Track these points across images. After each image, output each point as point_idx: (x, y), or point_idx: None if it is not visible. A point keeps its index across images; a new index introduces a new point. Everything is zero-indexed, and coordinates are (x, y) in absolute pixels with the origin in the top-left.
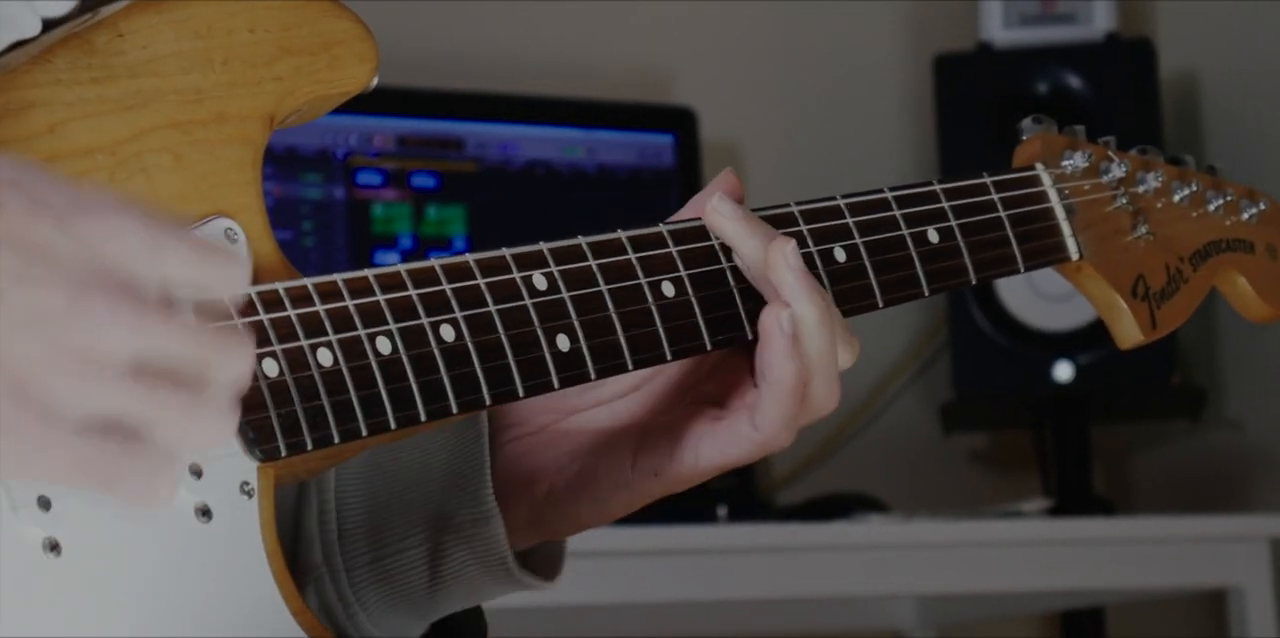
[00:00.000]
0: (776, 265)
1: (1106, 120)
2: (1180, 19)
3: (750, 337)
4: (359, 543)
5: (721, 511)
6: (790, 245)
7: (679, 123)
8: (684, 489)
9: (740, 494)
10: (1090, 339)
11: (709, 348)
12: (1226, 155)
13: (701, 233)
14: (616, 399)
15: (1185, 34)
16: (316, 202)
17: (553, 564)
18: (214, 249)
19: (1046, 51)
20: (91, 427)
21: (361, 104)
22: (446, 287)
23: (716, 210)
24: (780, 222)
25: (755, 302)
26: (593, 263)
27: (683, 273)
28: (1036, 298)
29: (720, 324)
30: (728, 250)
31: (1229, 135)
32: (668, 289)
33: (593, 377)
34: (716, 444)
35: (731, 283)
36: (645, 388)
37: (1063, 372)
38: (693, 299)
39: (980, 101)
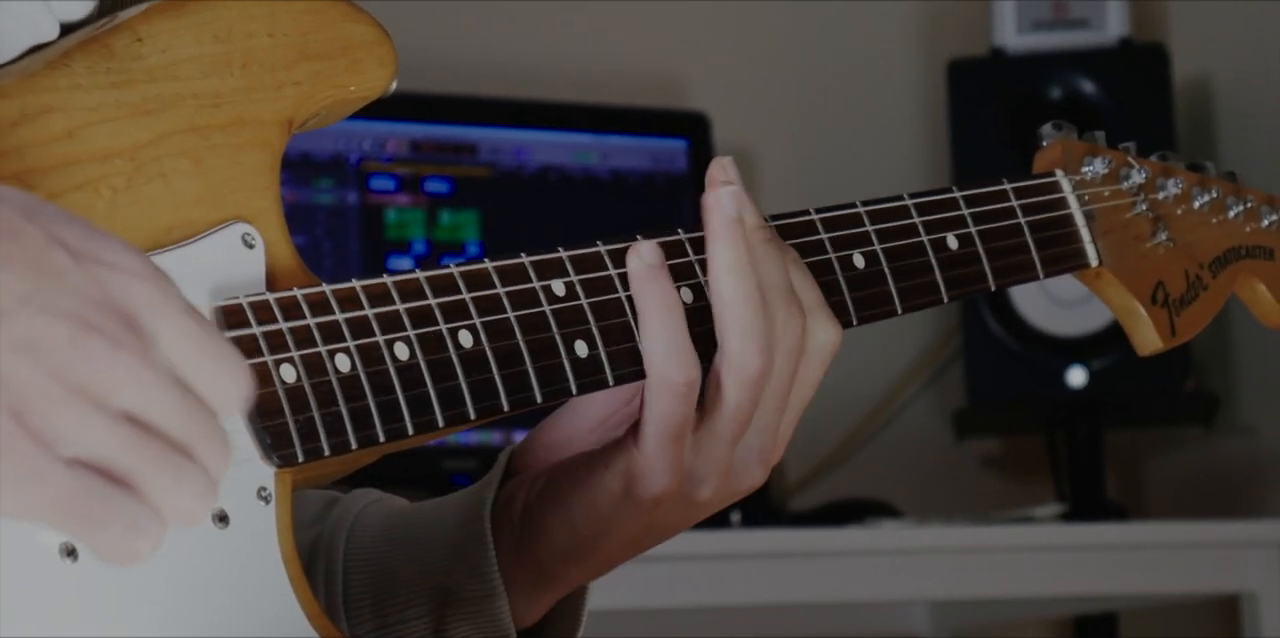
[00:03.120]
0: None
1: (1120, 125)
2: (1194, 24)
3: None
4: (364, 610)
5: (735, 516)
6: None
7: (692, 128)
8: (645, 488)
9: (753, 499)
10: (1104, 345)
11: None
12: (1239, 160)
13: None
14: (599, 426)
15: (1199, 39)
16: (330, 207)
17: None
18: (219, 340)
19: (1060, 56)
20: (85, 466)
21: (375, 109)
22: (465, 294)
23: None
24: (800, 228)
25: None
26: (612, 272)
27: (701, 279)
28: (1050, 303)
29: None
30: None
31: (1242, 140)
32: (686, 295)
33: (611, 383)
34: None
35: None
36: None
37: (1076, 377)
38: (710, 305)
39: (993, 106)
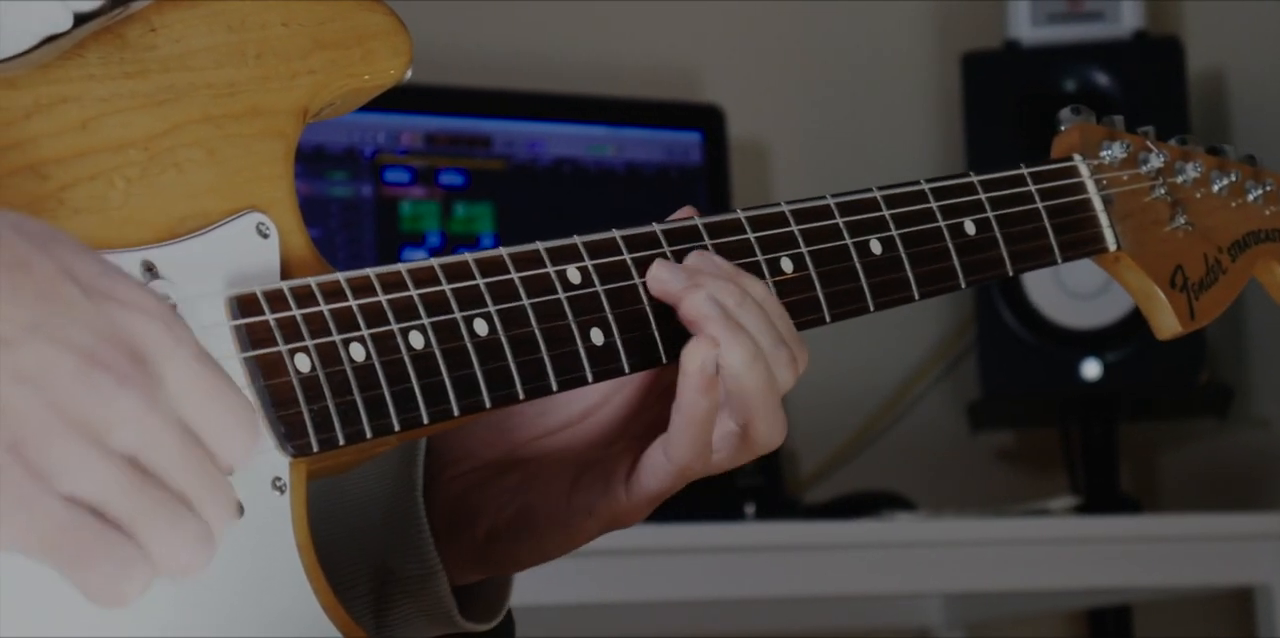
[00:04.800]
0: (693, 312)
1: (1134, 119)
2: (1208, 17)
3: None
4: None
5: (749, 508)
6: (702, 293)
7: (707, 121)
8: (622, 527)
9: (767, 492)
10: (1118, 337)
11: None
12: (1254, 153)
13: (736, 226)
14: (564, 429)
15: (1213, 32)
16: (344, 199)
17: (500, 595)
18: (229, 389)
19: (1074, 50)
20: (81, 505)
21: (389, 101)
22: (480, 280)
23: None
24: (816, 214)
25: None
26: (627, 257)
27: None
28: (1064, 296)
29: None
30: (763, 244)
31: (1256, 134)
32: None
33: (626, 371)
34: (639, 476)
35: (766, 275)
36: (593, 418)
37: (1090, 370)
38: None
39: (1007, 99)
